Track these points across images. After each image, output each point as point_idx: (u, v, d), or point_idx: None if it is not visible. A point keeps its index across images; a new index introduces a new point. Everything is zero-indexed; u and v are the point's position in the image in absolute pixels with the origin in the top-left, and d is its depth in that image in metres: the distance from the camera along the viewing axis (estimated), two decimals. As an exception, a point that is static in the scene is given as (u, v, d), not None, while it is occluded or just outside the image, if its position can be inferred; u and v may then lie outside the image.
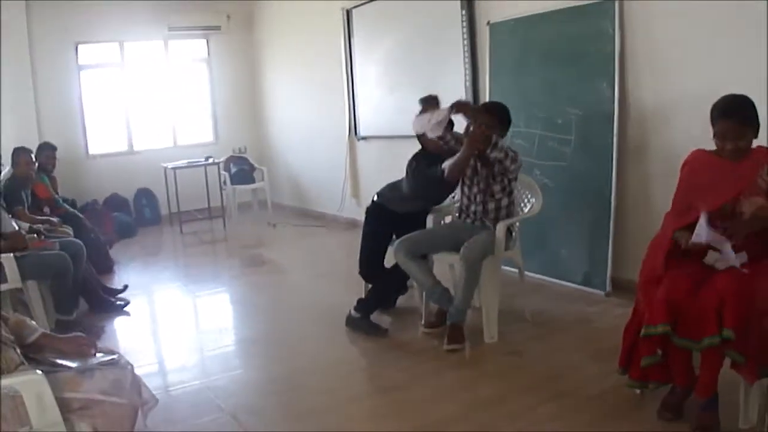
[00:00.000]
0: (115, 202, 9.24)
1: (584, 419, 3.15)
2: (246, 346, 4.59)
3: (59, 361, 2.48)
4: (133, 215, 9.37)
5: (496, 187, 4.24)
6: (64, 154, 8.10)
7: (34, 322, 2.65)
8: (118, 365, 2.55)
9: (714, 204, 2.92)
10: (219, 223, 8.99)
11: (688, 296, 2.83)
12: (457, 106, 4.12)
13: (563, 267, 5.22)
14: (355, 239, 4.99)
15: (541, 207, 4.46)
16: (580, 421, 3.13)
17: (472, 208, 4.31)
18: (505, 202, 4.27)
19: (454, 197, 4.85)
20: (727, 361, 2.81)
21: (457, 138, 4.23)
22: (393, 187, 4.76)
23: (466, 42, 6.14)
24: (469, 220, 4.34)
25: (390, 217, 4.62)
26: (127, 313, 5.36)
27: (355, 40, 7.86)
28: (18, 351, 2.37)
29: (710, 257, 2.98)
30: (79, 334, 2.76)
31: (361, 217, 4.98)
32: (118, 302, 5.47)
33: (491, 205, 4.25)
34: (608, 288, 4.91)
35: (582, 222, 5.07)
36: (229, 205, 9.35)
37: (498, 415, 3.24)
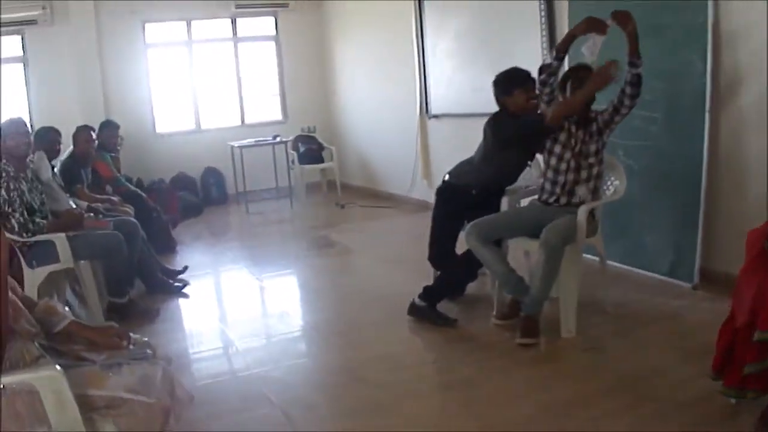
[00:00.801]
0: (182, 181, 9.21)
1: (671, 429, 2.83)
2: (306, 333, 4.39)
3: (86, 354, 2.29)
4: (200, 195, 9.34)
5: (592, 147, 3.94)
6: (132, 132, 8.22)
7: (67, 308, 2.47)
8: (149, 360, 2.34)
9: None
10: (286, 203, 8.88)
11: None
12: (619, 17, 3.78)
13: (647, 256, 4.84)
14: (425, 222, 4.71)
15: (625, 190, 4.11)
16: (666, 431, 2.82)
17: (561, 180, 3.97)
18: (596, 170, 3.98)
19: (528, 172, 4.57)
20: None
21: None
22: (465, 163, 4.45)
23: (543, 14, 5.80)
24: (552, 199, 4.02)
25: (462, 198, 4.31)
26: (186, 295, 5.25)
27: (426, 14, 7.57)
28: (37, 343, 2.18)
29: None
30: (113, 324, 2.57)
31: (432, 199, 4.69)
32: (177, 284, 5.35)
33: (583, 174, 3.94)
34: (696, 280, 4.52)
35: (668, 207, 4.69)
36: (297, 185, 9.20)
37: (576, 419, 2.94)
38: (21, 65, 8.62)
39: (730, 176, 4.45)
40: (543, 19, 5.78)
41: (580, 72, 3.93)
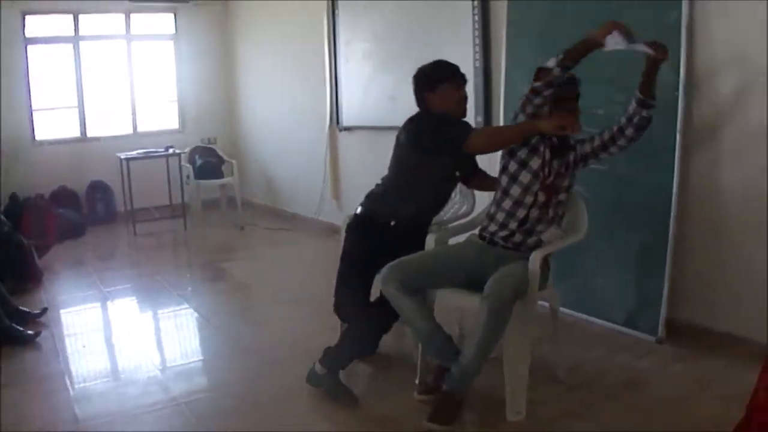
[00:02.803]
0: (63, 196, 8.08)
1: None
2: (179, 411, 3.29)
3: None
4: (84, 212, 8.22)
5: (565, 182, 3.16)
6: (5, 139, 7.36)
7: None
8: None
9: None
10: (180, 223, 7.82)
11: None
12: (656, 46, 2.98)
13: (602, 303, 4.07)
14: (334, 250, 3.81)
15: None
16: None
17: (521, 214, 3.11)
18: (561, 210, 3.21)
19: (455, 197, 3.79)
20: None
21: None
22: (379, 187, 3.52)
23: (477, 11, 5.00)
24: (502, 235, 3.14)
25: (377, 234, 3.38)
26: (38, 345, 4.15)
27: (340, 14, 6.68)
28: None
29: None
30: None
31: (342, 222, 3.75)
32: (30, 331, 4.26)
33: (551, 212, 3.13)
34: (661, 333, 3.76)
35: (629, 246, 3.93)
36: (192, 203, 8.16)
37: None
38: None
39: (703, 208, 3.74)
40: (476, 13, 4.99)
41: (564, 90, 3.09)
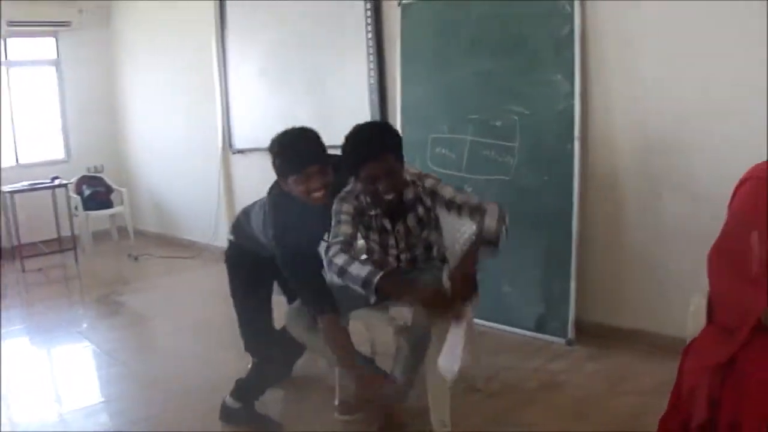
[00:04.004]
0: (-60, 234, 7.56)
1: None
2: None
3: None
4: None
5: (424, 232, 2.94)
6: None
7: None
8: None
9: None
10: (71, 256, 7.45)
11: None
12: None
13: (509, 309, 4.13)
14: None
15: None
16: None
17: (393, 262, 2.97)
18: (438, 249, 3.04)
19: None
20: None
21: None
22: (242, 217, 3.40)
23: (370, 29, 5.01)
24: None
25: (258, 258, 3.20)
26: None
27: (230, 35, 6.57)
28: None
29: None
30: None
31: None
32: None
33: (420, 259, 2.98)
34: (570, 335, 3.85)
35: (535, 252, 3.99)
36: (82, 235, 7.83)
37: None
38: None
39: (604, 211, 3.86)
40: (370, 30, 5.01)
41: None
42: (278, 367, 3.26)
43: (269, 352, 3.20)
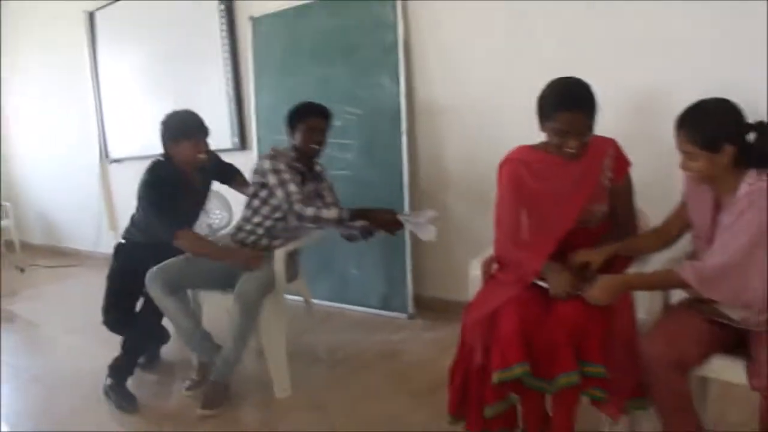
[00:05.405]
0: None
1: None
2: None
3: None
4: None
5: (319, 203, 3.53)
6: None
7: None
8: None
9: (557, 229, 2.45)
10: (-45, 271, 7.44)
11: (537, 326, 2.22)
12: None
13: (356, 290, 4.56)
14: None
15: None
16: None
17: (268, 224, 3.47)
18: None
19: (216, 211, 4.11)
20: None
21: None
22: (135, 214, 3.76)
23: (226, 41, 5.37)
24: (251, 240, 3.49)
25: (142, 253, 3.61)
26: None
27: (100, 48, 6.79)
28: None
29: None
30: None
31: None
32: None
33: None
34: (411, 309, 4.31)
35: (375, 237, 4.39)
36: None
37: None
38: None
39: (432, 197, 4.31)
40: (226, 43, 5.38)
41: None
42: (141, 340, 3.62)
43: (126, 329, 3.58)
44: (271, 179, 3.32)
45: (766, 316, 2.06)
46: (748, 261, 2.01)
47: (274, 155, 3.38)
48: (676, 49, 3.25)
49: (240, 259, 3.30)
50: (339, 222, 3.27)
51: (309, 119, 3.42)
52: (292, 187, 3.29)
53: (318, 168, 3.60)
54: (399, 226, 3.31)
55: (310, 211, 3.25)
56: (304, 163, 3.46)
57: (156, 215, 3.37)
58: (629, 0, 3.35)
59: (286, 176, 3.31)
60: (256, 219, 3.48)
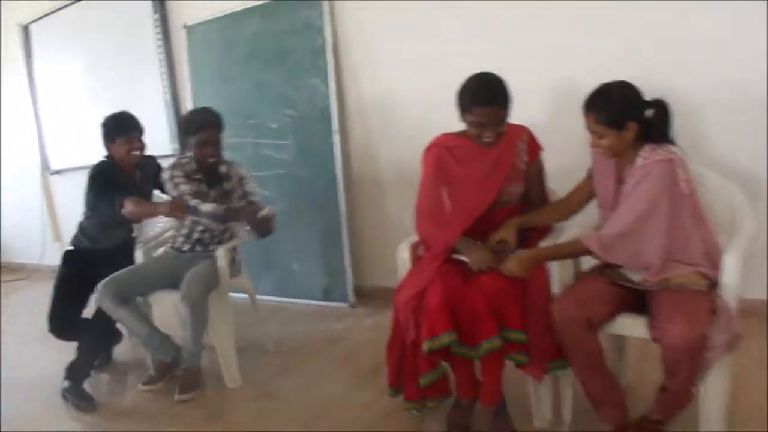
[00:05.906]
0: None
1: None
2: None
3: None
4: None
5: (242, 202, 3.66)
6: None
7: None
8: None
9: (476, 207, 2.69)
10: None
11: (461, 298, 2.47)
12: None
13: (299, 284, 4.76)
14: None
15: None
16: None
17: (200, 228, 3.66)
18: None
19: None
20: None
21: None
22: (82, 221, 3.94)
23: (161, 49, 5.50)
24: (187, 247, 3.68)
25: (87, 260, 3.79)
26: None
27: (36, 60, 6.82)
28: None
29: None
30: None
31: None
32: None
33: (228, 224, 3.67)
34: (351, 299, 4.53)
35: (314, 232, 4.63)
36: None
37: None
38: None
39: (366, 192, 4.54)
40: (161, 51, 5.51)
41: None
42: (94, 344, 3.75)
43: (76, 333, 3.72)
44: (168, 187, 3.51)
45: (660, 276, 2.33)
46: (643, 227, 2.28)
47: (173, 166, 3.55)
48: (581, 50, 3.56)
49: (165, 209, 3.43)
50: (214, 217, 3.41)
51: (199, 134, 3.48)
52: (183, 187, 3.47)
53: (223, 168, 3.65)
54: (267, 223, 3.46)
55: (193, 202, 3.41)
56: (205, 172, 3.59)
57: (101, 199, 3.57)
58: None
59: (179, 179, 3.49)
60: (184, 231, 3.70)
